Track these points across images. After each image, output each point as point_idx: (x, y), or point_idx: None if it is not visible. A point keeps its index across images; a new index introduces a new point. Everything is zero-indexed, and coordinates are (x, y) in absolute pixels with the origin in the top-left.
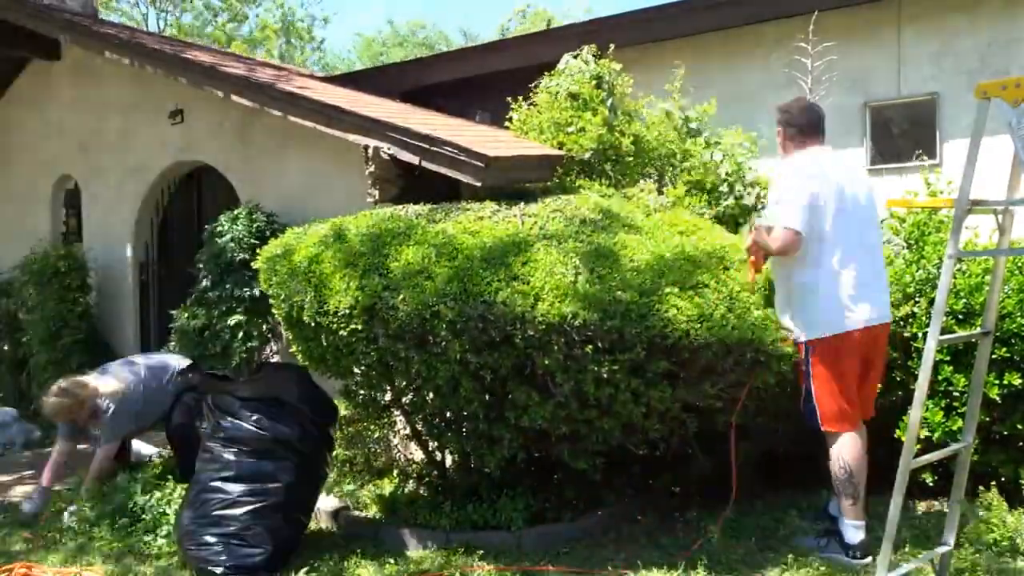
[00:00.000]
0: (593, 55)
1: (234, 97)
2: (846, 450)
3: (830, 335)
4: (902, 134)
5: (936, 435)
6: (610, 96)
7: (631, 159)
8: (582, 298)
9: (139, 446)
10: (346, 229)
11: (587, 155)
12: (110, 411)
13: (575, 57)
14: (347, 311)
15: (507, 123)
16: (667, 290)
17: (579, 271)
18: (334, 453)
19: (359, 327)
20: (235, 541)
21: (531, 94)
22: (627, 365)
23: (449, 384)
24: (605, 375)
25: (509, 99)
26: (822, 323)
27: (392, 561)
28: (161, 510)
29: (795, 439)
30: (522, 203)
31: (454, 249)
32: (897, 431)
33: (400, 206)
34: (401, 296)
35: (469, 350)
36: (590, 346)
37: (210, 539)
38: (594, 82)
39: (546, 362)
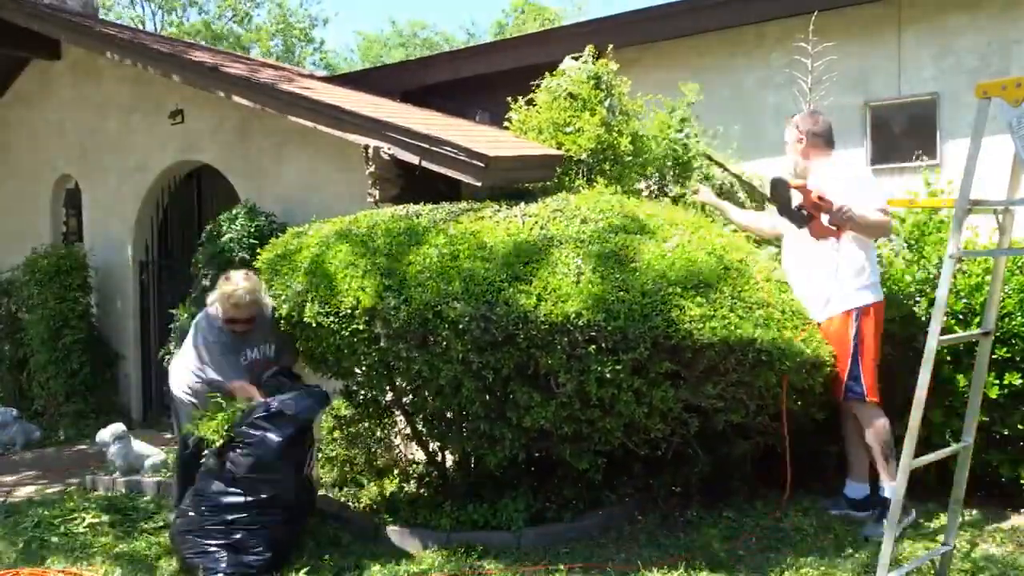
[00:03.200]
0: (592, 56)
1: (235, 97)
2: (884, 418)
3: (877, 301)
4: (902, 134)
5: (936, 435)
6: (608, 96)
7: (630, 158)
8: (585, 298)
9: (140, 448)
10: (346, 230)
11: (585, 155)
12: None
13: (575, 59)
14: (349, 311)
15: (506, 123)
16: (670, 290)
17: (581, 271)
18: (337, 455)
19: (361, 327)
20: (235, 548)
21: (531, 94)
22: (630, 365)
23: (451, 384)
24: (608, 375)
25: (509, 99)
26: (873, 287)
27: (392, 561)
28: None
29: (795, 438)
30: (522, 203)
31: (455, 249)
32: (897, 431)
33: (400, 206)
34: (403, 296)
35: (471, 350)
36: (593, 346)
37: (210, 547)
38: (592, 82)
39: (549, 362)
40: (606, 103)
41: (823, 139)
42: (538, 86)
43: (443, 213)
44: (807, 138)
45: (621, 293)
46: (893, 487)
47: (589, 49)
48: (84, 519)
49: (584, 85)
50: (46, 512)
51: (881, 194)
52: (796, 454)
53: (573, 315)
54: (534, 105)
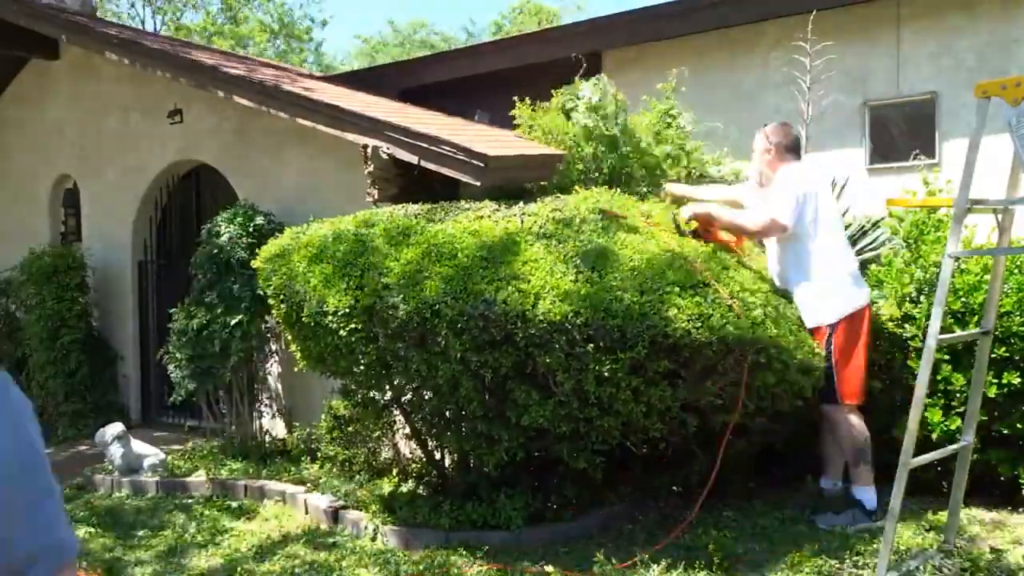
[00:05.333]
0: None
1: (234, 97)
2: (860, 420)
3: (851, 312)
4: (901, 133)
5: (935, 434)
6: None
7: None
8: (583, 297)
9: (139, 448)
10: (346, 229)
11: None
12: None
13: (586, 79)
14: (347, 311)
15: (515, 119)
16: (668, 289)
17: (580, 270)
18: (336, 454)
19: (358, 326)
20: None
21: (531, 92)
22: (628, 364)
23: (449, 383)
24: (606, 374)
25: (516, 99)
26: (843, 303)
27: (391, 561)
28: None
29: (792, 438)
30: (521, 203)
31: (454, 248)
32: (896, 430)
33: (399, 205)
34: (401, 295)
35: (469, 349)
36: (591, 345)
37: None
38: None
39: (547, 361)
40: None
41: (791, 152)
42: (540, 91)
43: (441, 212)
44: (776, 150)
45: (619, 292)
46: (863, 491)
47: (596, 84)
48: (83, 519)
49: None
50: None
51: (786, 209)
52: (794, 453)
53: (571, 314)
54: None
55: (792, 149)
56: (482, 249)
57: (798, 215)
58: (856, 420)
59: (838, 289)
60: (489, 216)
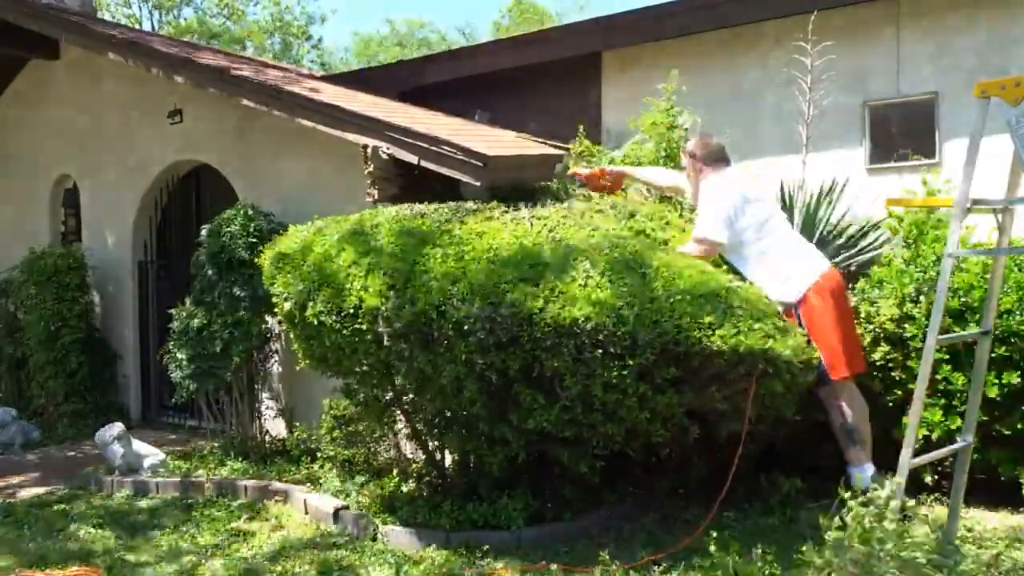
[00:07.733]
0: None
1: (234, 97)
2: (851, 399)
3: (811, 284)
4: (901, 133)
5: (935, 434)
6: None
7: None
8: (593, 302)
9: (139, 447)
10: (350, 228)
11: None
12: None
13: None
14: (351, 310)
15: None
16: (679, 297)
17: (590, 275)
18: (336, 454)
19: (363, 327)
20: None
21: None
22: (636, 370)
23: (453, 385)
24: (614, 380)
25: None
26: (802, 279)
27: (392, 561)
28: None
29: (792, 440)
30: (529, 205)
31: (460, 250)
32: (897, 430)
33: (405, 205)
34: (407, 296)
35: (475, 351)
36: (600, 350)
37: None
38: None
39: (555, 364)
40: None
41: (713, 159)
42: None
43: (448, 213)
44: (700, 162)
45: (630, 298)
46: (855, 468)
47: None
48: (83, 520)
49: None
50: (46, 512)
51: (715, 224)
52: (795, 454)
53: (581, 319)
54: None
55: (716, 159)
56: (489, 251)
57: (729, 225)
58: (846, 401)
59: (791, 272)
60: (498, 218)
